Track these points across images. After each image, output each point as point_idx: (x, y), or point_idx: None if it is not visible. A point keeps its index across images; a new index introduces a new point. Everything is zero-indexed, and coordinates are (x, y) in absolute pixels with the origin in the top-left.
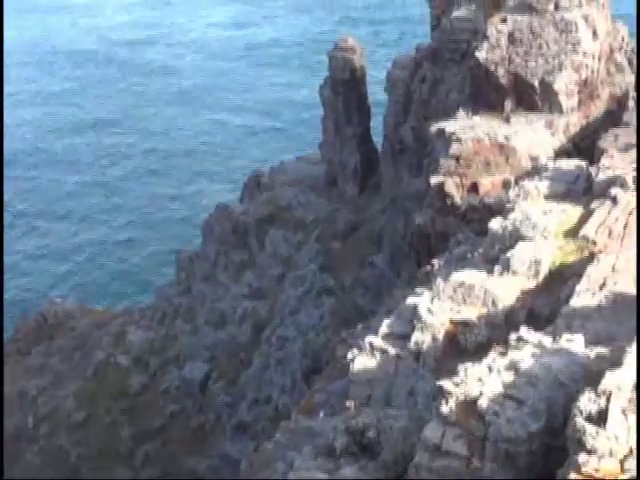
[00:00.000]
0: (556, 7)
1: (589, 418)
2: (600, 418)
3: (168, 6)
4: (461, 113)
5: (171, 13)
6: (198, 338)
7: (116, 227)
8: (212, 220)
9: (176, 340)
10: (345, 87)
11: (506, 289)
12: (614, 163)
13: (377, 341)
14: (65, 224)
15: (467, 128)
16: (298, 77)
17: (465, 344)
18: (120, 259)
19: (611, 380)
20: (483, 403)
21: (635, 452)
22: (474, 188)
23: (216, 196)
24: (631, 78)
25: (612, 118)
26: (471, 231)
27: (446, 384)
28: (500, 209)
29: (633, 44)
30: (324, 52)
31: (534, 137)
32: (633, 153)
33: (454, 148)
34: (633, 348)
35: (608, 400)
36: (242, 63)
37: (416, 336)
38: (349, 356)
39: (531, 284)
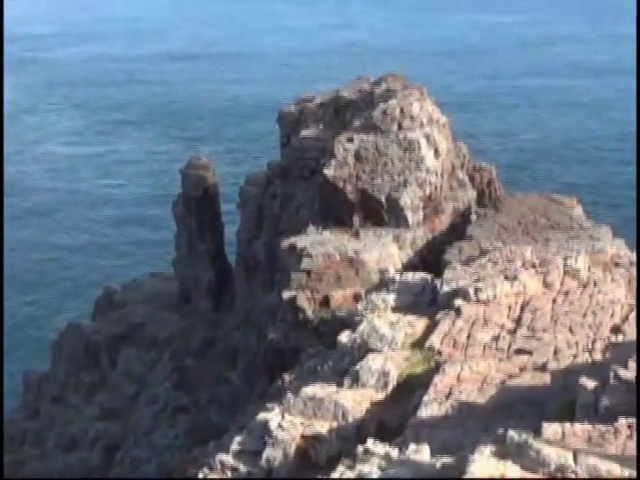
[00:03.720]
0: (399, 127)
1: None
2: None
3: (17, 120)
4: (311, 228)
5: (19, 128)
6: (47, 463)
7: None
8: (62, 339)
9: (23, 466)
10: (198, 204)
11: (356, 401)
12: (457, 275)
13: (228, 459)
14: None
15: (317, 243)
16: (150, 193)
17: (316, 458)
18: None
19: None
20: None
21: None
22: (326, 302)
23: (67, 314)
24: (472, 193)
25: (456, 232)
26: (324, 345)
27: None
28: (351, 322)
29: (473, 161)
30: (175, 170)
31: (382, 251)
32: (475, 265)
33: (305, 263)
34: (475, 457)
35: None
36: (91, 178)
37: (267, 452)
38: (200, 476)
39: (380, 395)
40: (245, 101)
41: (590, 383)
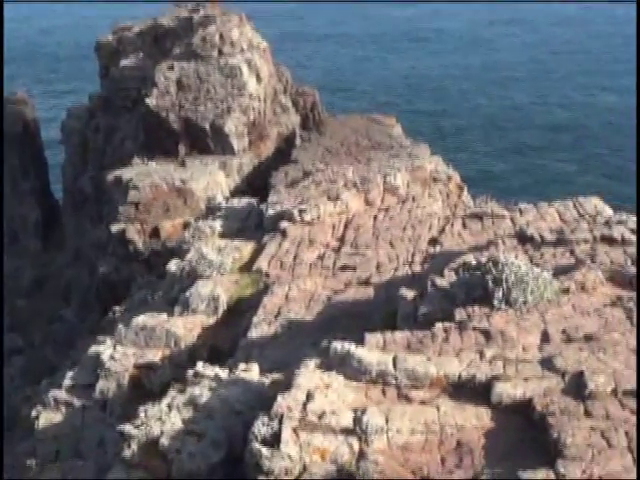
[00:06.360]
0: (220, 53)
1: (264, 441)
2: (274, 440)
3: None
4: (137, 160)
5: None
6: None
7: None
8: None
9: None
10: (19, 140)
11: (187, 328)
12: (282, 198)
13: (61, 394)
14: None
15: (144, 174)
16: None
17: (150, 387)
18: None
19: (282, 402)
20: (164, 442)
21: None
22: (155, 233)
23: None
24: (296, 118)
25: (282, 156)
26: (156, 276)
27: (126, 428)
28: (181, 251)
29: (296, 86)
30: None
31: (209, 179)
32: (299, 187)
33: (132, 195)
34: (301, 370)
35: (280, 422)
36: None
37: (101, 385)
38: (33, 413)
39: (211, 320)
40: (60, 37)
41: (409, 293)
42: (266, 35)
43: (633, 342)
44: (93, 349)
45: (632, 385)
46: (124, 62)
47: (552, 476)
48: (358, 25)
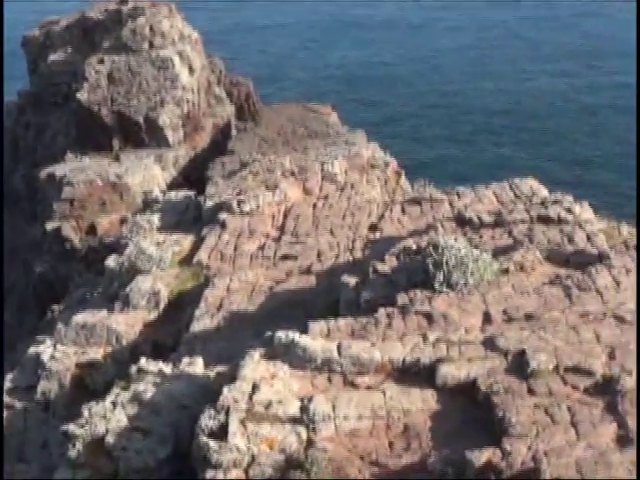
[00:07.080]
0: (151, 45)
1: (211, 434)
2: (221, 432)
3: None
4: (70, 156)
5: None
6: None
7: None
8: None
9: None
10: None
11: (128, 324)
12: (220, 190)
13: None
14: None
15: (77, 171)
16: None
17: (93, 385)
18: None
19: (228, 395)
20: (110, 440)
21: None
22: (92, 229)
23: None
24: (231, 108)
25: (218, 147)
26: (95, 273)
27: (70, 428)
28: (119, 247)
29: (230, 77)
30: None
31: (145, 173)
32: (236, 178)
33: (66, 192)
34: (246, 361)
35: (227, 414)
36: None
37: (42, 385)
38: None
39: (152, 316)
40: None
41: (351, 280)
42: (197, 26)
43: (572, 319)
44: (33, 350)
45: (573, 362)
46: (53, 57)
47: (499, 454)
48: (291, 15)
